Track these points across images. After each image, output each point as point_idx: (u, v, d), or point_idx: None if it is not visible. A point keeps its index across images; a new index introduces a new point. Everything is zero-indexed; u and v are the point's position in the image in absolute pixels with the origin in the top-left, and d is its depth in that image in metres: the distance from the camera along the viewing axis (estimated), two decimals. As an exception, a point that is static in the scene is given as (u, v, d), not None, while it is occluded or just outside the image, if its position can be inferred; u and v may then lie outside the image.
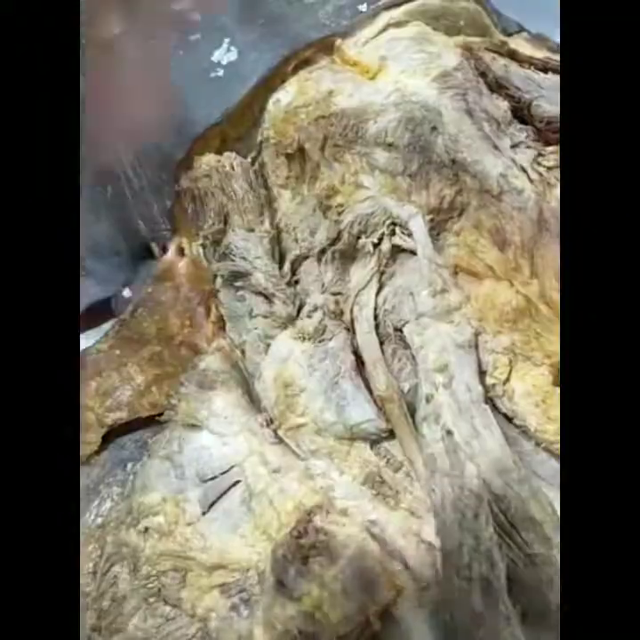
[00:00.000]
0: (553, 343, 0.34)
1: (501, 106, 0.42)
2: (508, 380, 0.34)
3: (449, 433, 0.33)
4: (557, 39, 0.57)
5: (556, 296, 0.34)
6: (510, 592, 0.29)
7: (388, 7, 0.47)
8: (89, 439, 0.43)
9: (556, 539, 0.29)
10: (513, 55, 0.47)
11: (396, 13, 0.46)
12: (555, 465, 0.32)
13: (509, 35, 0.55)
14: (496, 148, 0.38)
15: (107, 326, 0.48)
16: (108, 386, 0.44)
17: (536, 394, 0.33)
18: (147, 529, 0.37)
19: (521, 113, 0.43)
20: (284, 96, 0.44)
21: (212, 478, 0.37)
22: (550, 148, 0.41)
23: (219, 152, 0.45)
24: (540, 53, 0.51)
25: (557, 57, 0.51)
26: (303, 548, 0.32)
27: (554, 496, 0.31)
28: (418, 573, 0.31)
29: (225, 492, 0.37)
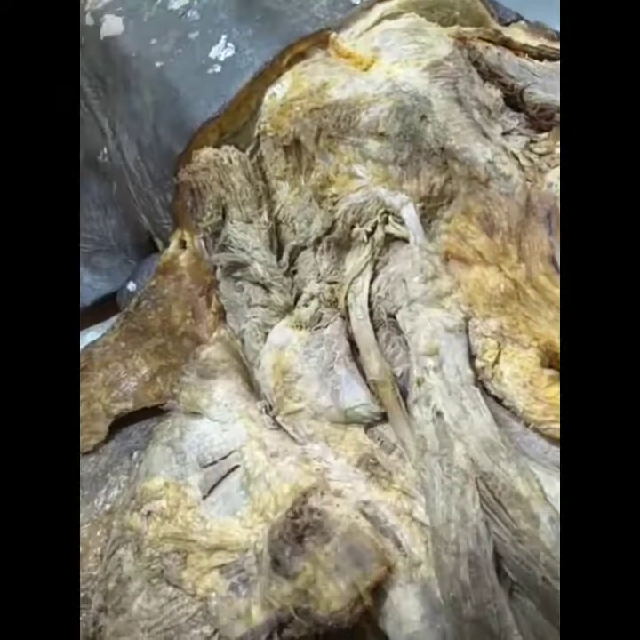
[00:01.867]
0: (540, 326, 0.34)
1: (494, 94, 0.42)
2: (496, 362, 0.35)
3: (439, 414, 0.33)
4: (556, 26, 0.57)
5: (543, 280, 0.34)
6: (498, 567, 0.30)
7: (381, -1, 0.48)
8: (96, 429, 0.44)
9: (543, 516, 0.30)
10: (507, 44, 0.47)
11: (390, 5, 0.47)
12: (543, 445, 0.33)
13: (507, 24, 0.55)
14: (485, 135, 0.39)
15: (113, 320, 0.49)
16: (115, 377, 0.45)
17: (523, 375, 0.34)
18: (149, 513, 0.38)
19: (514, 100, 0.44)
20: (280, 89, 0.45)
21: (212, 463, 0.38)
22: (543, 135, 0.41)
23: (217, 146, 0.45)
24: (535, 41, 0.51)
25: (554, 45, 0.51)
26: (298, 527, 0.32)
27: (541, 475, 0.31)
28: (409, 551, 0.32)
29: (224, 477, 0.38)
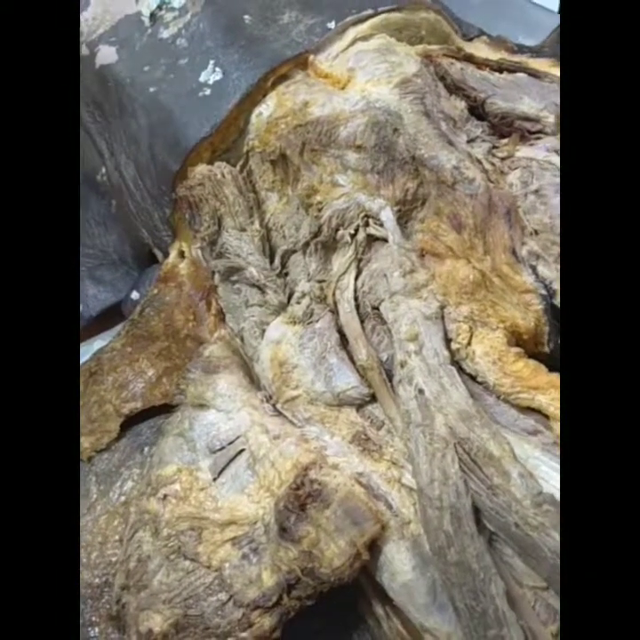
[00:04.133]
0: (506, 310, 0.39)
1: (458, 105, 0.47)
2: (469, 343, 0.39)
3: (421, 391, 0.37)
4: (517, 39, 0.62)
5: (506, 269, 0.38)
6: (477, 519, 0.34)
7: (354, 23, 0.51)
8: (108, 428, 0.47)
9: (513, 472, 0.34)
10: (469, 58, 0.51)
11: (362, 28, 0.51)
12: (513, 413, 0.37)
13: (471, 39, 0.59)
14: (451, 143, 0.43)
15: (119, 327, 0.52)
16: (123, 380, 0.48)
17: (493, 354, 0.38)
18: (165, 496, 0.40)
19: (477, 110, 0.48)
20: (266, 109, 0.49)
21: (220, 449, 0.41)
22: (504, 141, 0.46)
23: (210, 162, 0.49)
24: (496, 55, 0.55)
25: (513, 57, 0.55)
26: (301, 497, 0.36)
27: (511, 438, 0.36)
28: (399, 512, 0.36)
29: (232, 460, 0.41)
